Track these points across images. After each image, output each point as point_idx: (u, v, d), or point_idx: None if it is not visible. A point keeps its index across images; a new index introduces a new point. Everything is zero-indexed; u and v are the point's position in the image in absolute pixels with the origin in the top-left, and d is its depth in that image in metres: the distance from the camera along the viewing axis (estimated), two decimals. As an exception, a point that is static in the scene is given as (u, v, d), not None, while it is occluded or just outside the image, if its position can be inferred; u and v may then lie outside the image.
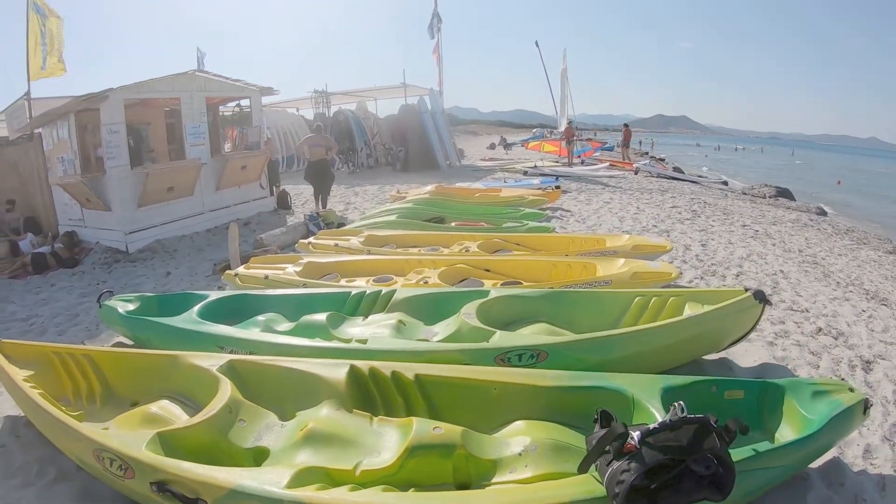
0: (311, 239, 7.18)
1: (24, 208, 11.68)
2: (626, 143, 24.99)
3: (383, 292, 4.63)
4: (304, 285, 5.20)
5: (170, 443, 2.70)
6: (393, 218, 8.37)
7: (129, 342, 4.84)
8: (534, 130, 57.39)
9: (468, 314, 4.00)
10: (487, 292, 4.47)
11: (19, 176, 11.79)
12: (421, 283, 5.18)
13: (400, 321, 4.13)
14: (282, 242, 8.46)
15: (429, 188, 11.49)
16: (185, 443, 2.75)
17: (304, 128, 21.30)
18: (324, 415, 2.94)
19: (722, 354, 4.19)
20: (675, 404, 2.12)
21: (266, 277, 5.40)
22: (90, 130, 9.81)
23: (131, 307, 4.78)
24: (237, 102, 13.44)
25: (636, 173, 18.34)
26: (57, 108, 9.52)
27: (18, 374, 3.48)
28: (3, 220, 12.08)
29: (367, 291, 4.69)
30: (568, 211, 10.74)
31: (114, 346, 4.93)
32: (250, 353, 3.66)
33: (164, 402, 3.37)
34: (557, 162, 21.28)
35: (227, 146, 12.53)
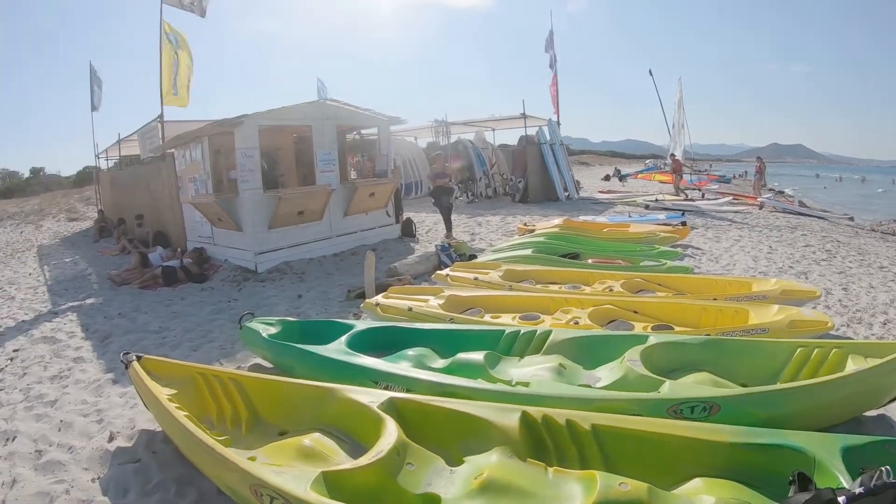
0: (448, 271, 7.09)
1: (153, 223, 12.58)
2: (759, 176, 23.98)
3: (538, 332, 4.40)
4: (452, 320, 5.07)
5: (335, 484, 2.56)
6: (528, 252, 8.19)
7: (268, 364, 4.85)
8: (647, 162, 56.26)
9: (633, 360, 3.75)
10: (646, 337, 4.18)
11: (150, 193, 12.73)
12: (571, 323, 4.93)
13: (560, 364, 3.90)
14: (415, 272, 8.38)
15: (556, 222, 11.24)
16: (353, 485, 2.60)
17: (422, 156, 21.61)
18: (496, 462, 2.74)
19: (881, 411, 3.78)
20: (883, 468, 2.09)
21: (410, 309, 5.31)
22: (223, 154, 10.21)
23: (273, 331, 4.78)
24: (358, 130, 13.71)
25: (761, 208, 17.35)
26: (192, 131, 10.02)
27: (162, 392, 3.49)
28: (134, 232, 12.90)
29: (522, 331, 4.48)
30: (698, 248, 10.21)
31: (251, 367, 4.95)
32: (407, 390, 3.53)
33: (317, 436, 3.25)
34: (679, 195, 20.53)
35: (352, 173, 12.74)
